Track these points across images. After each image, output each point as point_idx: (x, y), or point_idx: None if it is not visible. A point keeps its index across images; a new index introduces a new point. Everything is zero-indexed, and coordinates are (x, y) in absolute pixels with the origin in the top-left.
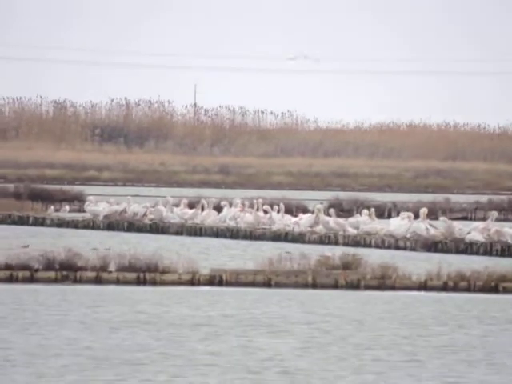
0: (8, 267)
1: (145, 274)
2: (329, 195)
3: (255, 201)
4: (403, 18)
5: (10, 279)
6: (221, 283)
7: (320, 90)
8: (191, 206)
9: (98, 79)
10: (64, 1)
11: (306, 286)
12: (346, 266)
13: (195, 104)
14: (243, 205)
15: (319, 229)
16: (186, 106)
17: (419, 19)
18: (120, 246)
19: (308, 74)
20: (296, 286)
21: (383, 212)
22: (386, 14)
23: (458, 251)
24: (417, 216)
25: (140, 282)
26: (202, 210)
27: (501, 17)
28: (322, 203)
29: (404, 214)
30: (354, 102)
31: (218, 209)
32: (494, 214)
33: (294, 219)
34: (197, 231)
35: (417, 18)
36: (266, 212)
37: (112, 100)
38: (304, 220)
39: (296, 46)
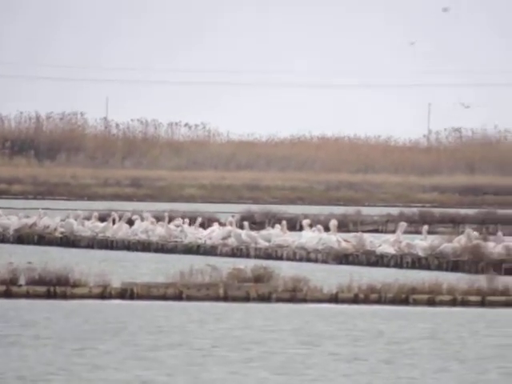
0: None
1: (55, 288)
2: (241, 208)
3: (166, 214)
4: (318, 29)
5: None
6: (132, 296)
7: (232, 102)
8: (102, 219)
9: (9, 91)
10: None
11: (217, 298)
12: (258, 278)
13: (105, 117)
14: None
15: (231, 241)
16: (96, 120)
17: (328, 33)
18: (31, 259)
19: (221, 86)
20: (207, 298)
21: (295, 225)
22: (305, 26)
23: (369, 263)
24: (328, 228)
25: (50, 295)
26: (114, 223)
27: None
28: (233, 216)
29: (306, 226)
30: (266, 114)
31: (130, 222)
32: (403, 225)
33: (205, 232)
34: (108, 244)
35: (326, 31)
36: (177, 225)
37: (21, 112)
38: (216, 233)
39: (213, 58)
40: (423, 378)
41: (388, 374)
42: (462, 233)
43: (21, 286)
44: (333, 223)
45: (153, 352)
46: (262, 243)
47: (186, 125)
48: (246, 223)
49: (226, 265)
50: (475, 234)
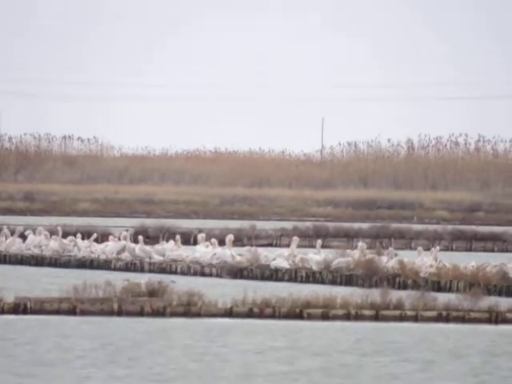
0: None
1: None
2: (135, 222)
3: (59, 228)
4: (212, 41)
5: None
6: (25, 311)
7: (125, 116)
8: None
9: None
10: None
11: (111, 313)
12: (152, 293)
13: None
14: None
15: (125, 256)
16: None
17: (223, 45)
18: None
19: (113, 100)
20: (101, 313)
21: (189, 239)
22: (195, 39)
23: (263, 278)
24: (222, 243)
25: None
26: (6, 238)
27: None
28: (127, 230)
29: (201, 240)
30: (159, 128)
31: (23, 236)
32: (296, 239)
33: (99, 246)
34: (1, 259)
35: (218, 43)
36: (71, 240)
37: None
38: (110, 247)
39: (105, 72)
40: None
41: None
42: (356, 247)
43: None
44: (229, 238)
45: None
46: (157, 258)
47: (78, 139)
48: (140, 237)
49: (120, 279)
50: (364, 245)
